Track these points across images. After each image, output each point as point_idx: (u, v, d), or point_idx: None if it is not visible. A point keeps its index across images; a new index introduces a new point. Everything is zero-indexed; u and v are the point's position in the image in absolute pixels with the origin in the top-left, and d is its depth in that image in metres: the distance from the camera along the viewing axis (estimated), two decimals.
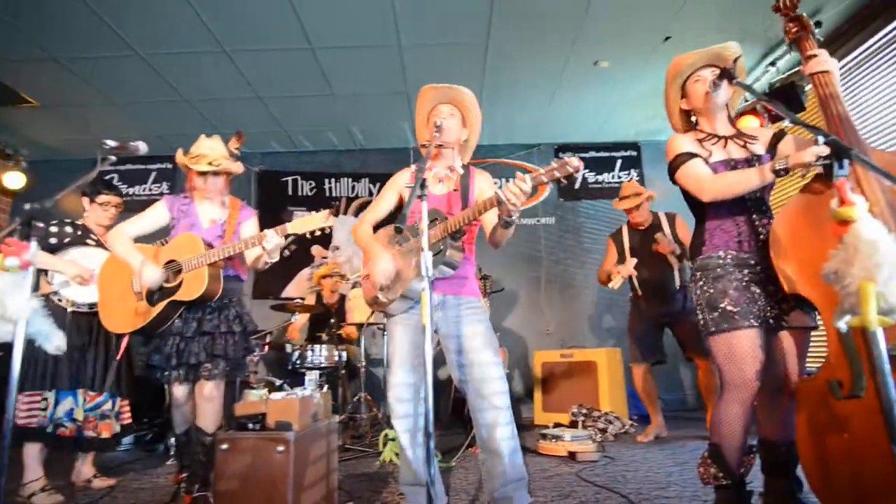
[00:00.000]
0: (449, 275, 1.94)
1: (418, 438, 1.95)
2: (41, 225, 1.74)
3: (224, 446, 1.42)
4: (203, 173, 2.34)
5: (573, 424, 3.77)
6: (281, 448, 1.39)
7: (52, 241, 2.61)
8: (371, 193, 5.79)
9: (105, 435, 2.71)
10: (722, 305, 1.69)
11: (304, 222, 2.15)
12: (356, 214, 5.73)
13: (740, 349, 1.66)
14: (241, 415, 1.48)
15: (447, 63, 4.27)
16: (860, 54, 3.89)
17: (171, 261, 2.23)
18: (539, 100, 4.95)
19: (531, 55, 4.21)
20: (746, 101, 4.69)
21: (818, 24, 3.88)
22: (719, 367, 1.72)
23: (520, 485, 1.89)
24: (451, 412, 4.00)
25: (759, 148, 1.81)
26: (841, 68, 4.02)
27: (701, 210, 1.83)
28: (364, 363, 3.92)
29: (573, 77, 4.55)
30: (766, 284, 1.69)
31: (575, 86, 4.71)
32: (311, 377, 2.03)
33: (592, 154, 5.83)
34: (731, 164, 1.78)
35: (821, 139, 1.28)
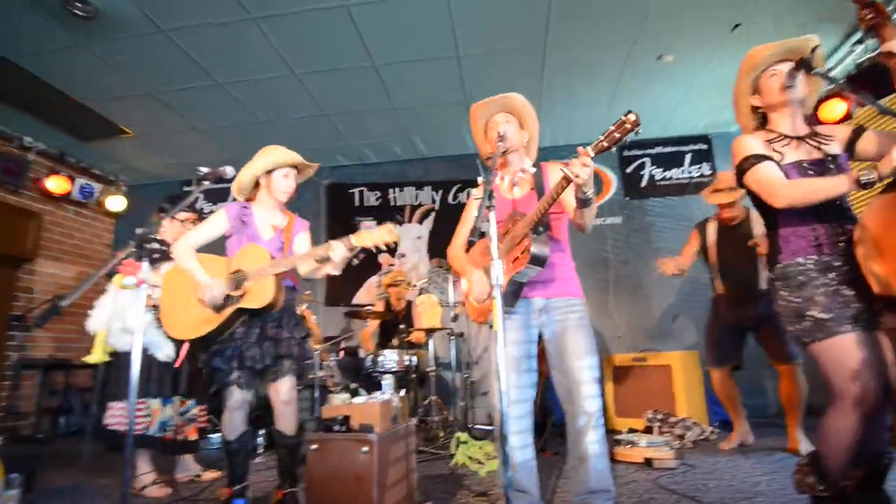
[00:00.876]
0: (537, 272, 1.96)
1: (520, 441, 1.98)
2: (149, 246, 1.96)
3: (314, 447, 1.54)
4: (270, 172, 2.43)
5: (648, 430, 3.65)
6: (365, 448, 1.48)
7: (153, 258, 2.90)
8: (433, 201, 5.92)
9: (193, 437, 2.97)
10: (811, 314, 1.60)
11: (369, 236, 2.18)
12: (420, 222, 5.87)
13: (845, 359, 1.55)
14: (327, 417, 1.59)
15: (505, 69, 4.30)
16: None
17: (238, 270, 2.29)
18: (599, 98, 4.86)
19: (590, 54, 4.16)
20: (831, 84, 4.38)
21: None
22: (826, 376, 1.62)
23: (603, 496, 1.88)
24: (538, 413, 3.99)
25: (835, 147, 1.70)
26: None
27: (772, 215, 1.74)
28: (433, 367, 4.02)
29: (635, 73, 4.44)
30: (856, 285, 1.58)
31: (637, 82, 4.58)
32: (388, 381, 2.12)
33: (659, 150, 5.63)
34: (804, 167, 1.68)
35: None
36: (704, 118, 5.28)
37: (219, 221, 2.39)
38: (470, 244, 1.90)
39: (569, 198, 1.94)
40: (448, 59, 4.17)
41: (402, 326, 3.97)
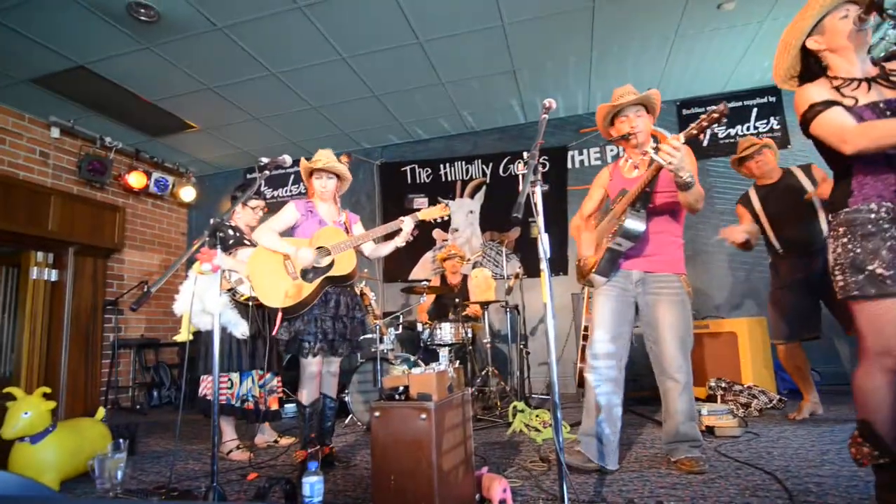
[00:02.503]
0: (629, 245, 2.19)
1: (603, 392, 2.26)
2: (222, 234, 2.13)
3: (377, 414, 1.65)
4: (318, 171, 2.74)
5: (711, 398, 3.59)
6: (423, 416, 1.58)
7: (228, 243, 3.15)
8: (484, 174, 5.92)
9: (274, 407, 3.24)
10: (871, 268, 1.50)
11: (429, 212, 2.72)
12: (472, 196, 5.90)
13: (888, 318, 1.48)
14: (388, 387, 1.71)
15: (553, 34, 4.19)
16: None
17: (321, 247, 2.60)
18: (654, 56, 4.63)
19: (645, 10, 3.95)
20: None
21: None
22: (861, 333, 1.55)
23: (687, 445, 2.24)
24: (578, 384, 4.03)
25: None
26: None
27: (844, 164, 1.62)
28: (489, 339, 4.11)
29: (693, 25, 4.18)
30: None
31: (696, 34, 4.32)
32: (444, 353, 2.23)
33: None
34: (881, 108, 1.55)
35: None
36: (770, 71, 4.90)
37: (290, 212, 2.69)
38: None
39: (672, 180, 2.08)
40: (494, 29, 4.10)
41: (457, 300, 4.06)
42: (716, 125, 1.82)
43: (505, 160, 5.89)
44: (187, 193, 6.47)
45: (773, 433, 2.88)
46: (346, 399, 3.61)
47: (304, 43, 4.12)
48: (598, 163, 5.57)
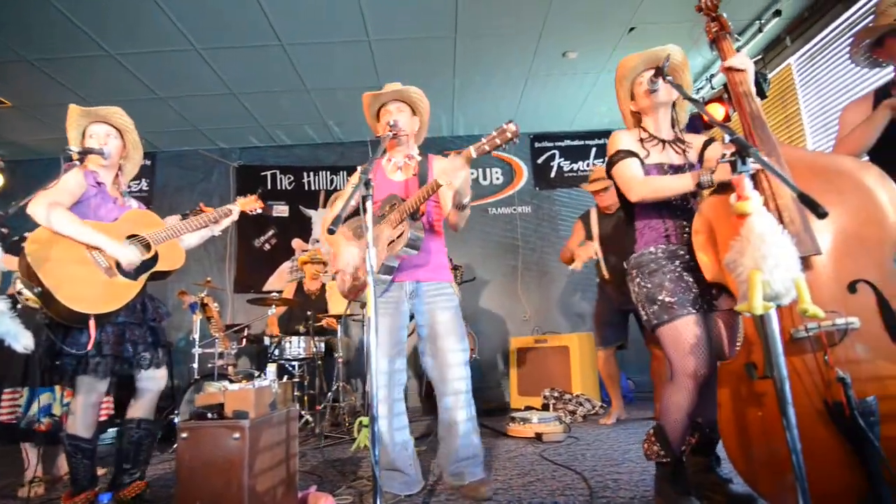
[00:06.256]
0: (413, 254, 2.07)
1: (395, 423, 2.10)
2: (5, 230, 1.81)
3: (184, 434, 1.52)
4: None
5: (545, 407, 3.91)
6: (237, 435, 1.49)
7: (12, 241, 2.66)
8: None
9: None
10: (660, 298, 1.78)
11: (246, 202, 2.60)
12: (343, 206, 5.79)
13: (684, 337, 1.75)
14: (200, 405, 1.58)
15: (417, 57, 4.33)
16: (821, 41, 3.97)
17: (133, 235, 2.19)
18: (511, 90, 5.02)
19: (500, 47, 4.28)
20: (713, 88, 4.81)
21: (777, 12, 3.98)
22: (668, 356, 1.82)
23: (473, 462, 2.08)
24: (425, 396, 4.13)
25: (693, 155, 1.91)
26: (802, 55, 4.16)
27: (631, 209, 1.93)
28: (342, 354, 4.03)
29: (543, 68, 4.63)
30: (697, 272, 1.79)
31: (545, 76, 4.78)
32: (271, 368, 2.12)
33: (567, 143, 5.93)
34: (664, 169, 1.87)
35: (727, 137, 1.38)
36: (608, 115, 5.60)
37: (76, 180, 2.09)
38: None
39: (446, 196, 2.07)
40: (360, 44, 4.12)
41: (308, 313, 3.93)
42: (507, 144, 1.83)
43: None
44: None
45: (590, 437, 3.21)
46: (176, 421, 3.26)
47: (151, 26, 3.74)
48: None
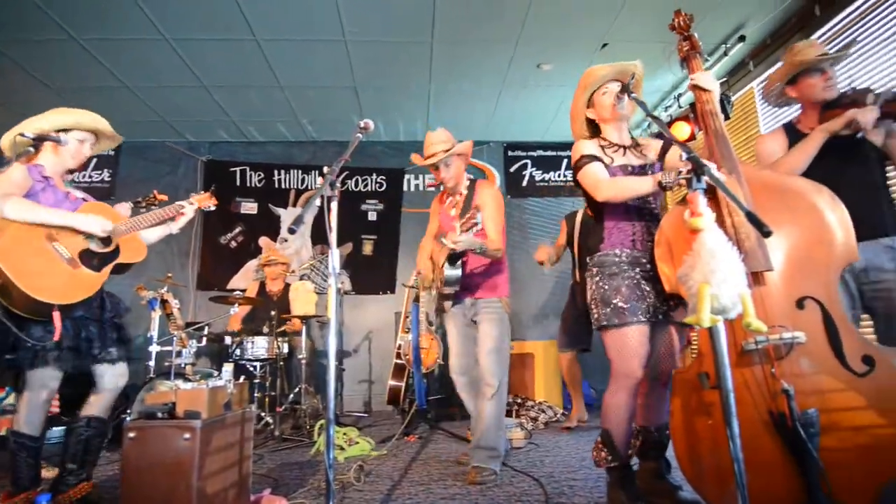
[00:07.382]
0: (455, 289, 2.55)
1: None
2: None
3: (132, 434, 1.47)
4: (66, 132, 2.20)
5: (508, 414, 3.92)
6: (187, 436, 1.45)
7: None
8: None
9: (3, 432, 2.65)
10: (615, 302, 1.83)
11: (200, 198, 2.57)
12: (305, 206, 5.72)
13: (629, 344, 1.81)
14: (150, 404, 1.53)
15: (394, 60, 4.32)
16: None
17: None
18: (487, 99, 5.07)
19: (476, 55, 4.31)
20: (681, 107, 4.96)
21: (742, 38, 4.15)
22: (610, 357, 1.87)
23: (488, 453, 2.43)
24: (388, 401, 4.09)
25: (653, 155, 1.97)
26: (764, 80, 4.33)
27: (599, 210, 1.97)
28: (305, 355, 3.97)
29: (518, 78, 4.68)
30: (656, 282, 1.84)
31: (520, 87, 4.84)
32: (227, 368, 2.07)
33: (540, 153, 6.01)
34: (629, 170, 1.93)
35: (684, 155, 1.43)
36: None
37: (21, 175, 2.00)
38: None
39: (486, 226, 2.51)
40: (336, 43, 4.09)
41: (273, 313, 3.86)
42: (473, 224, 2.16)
43: (344, 174, 5.85)
44: None
45: (550, 443, 3.25)
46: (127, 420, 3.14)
47: (118, 12, 3.63)
48: (432, 189, 5.85)
